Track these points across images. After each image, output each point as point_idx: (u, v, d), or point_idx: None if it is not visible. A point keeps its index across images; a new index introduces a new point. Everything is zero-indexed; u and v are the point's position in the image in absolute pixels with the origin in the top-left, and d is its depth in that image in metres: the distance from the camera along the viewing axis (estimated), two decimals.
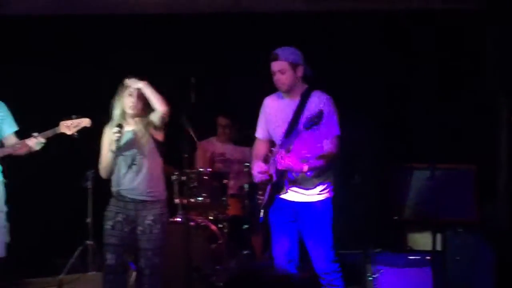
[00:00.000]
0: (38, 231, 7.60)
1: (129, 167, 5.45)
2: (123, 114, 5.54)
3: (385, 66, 7.57)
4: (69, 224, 7.45)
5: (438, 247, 6.41)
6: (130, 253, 5.58)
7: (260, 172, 5.39)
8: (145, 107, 5.53)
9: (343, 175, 7.02)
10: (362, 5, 7.54)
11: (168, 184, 6.61)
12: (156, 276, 5.51)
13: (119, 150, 5.42)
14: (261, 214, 5.46)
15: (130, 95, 5.48)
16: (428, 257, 6.23)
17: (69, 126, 5.70)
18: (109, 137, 5.53)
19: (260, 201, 5.49)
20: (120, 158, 5.44)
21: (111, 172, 5.50)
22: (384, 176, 7.16)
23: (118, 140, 5.40)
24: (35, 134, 5.73)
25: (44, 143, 5.75)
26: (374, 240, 6.48)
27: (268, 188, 5.42)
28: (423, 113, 7.56)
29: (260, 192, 5.50)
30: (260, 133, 5.62)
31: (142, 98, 5.50)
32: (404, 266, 6.18)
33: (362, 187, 6.88)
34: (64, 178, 7.44)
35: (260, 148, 5.59)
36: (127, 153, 5.46)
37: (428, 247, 6.42)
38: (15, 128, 5.94)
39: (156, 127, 5.53)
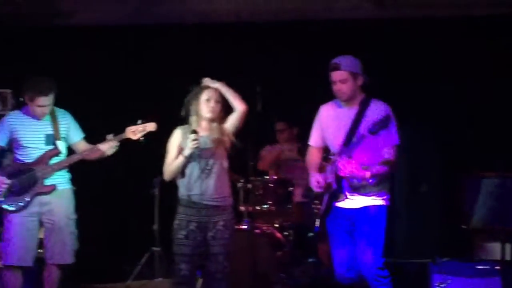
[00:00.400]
0: (106, 238, 7.73)
1: (202, 172, 5.41)
2: (199, 118, 5.50)
3: (453, 72, 7.50)
4: (136, 230, 7.56)
5: (508, 257, 6.32)
6: (200, 260, 5.55)
7: (318, 182, 5.41)
8: (222, 112, 5.51)
9: (410, 184, 7.00)
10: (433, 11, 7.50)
11: (234, 191, 6.68)
12: (226, 281, 5.52)
13: (193, 155, 5.39)
14: (317, 223, 5.46)
15: (208, 99, 5.45)
16: (497, 267, 6.13)
17: (135, 131, 5.80)
18: (179, 140, 5.49)
19: (316, 210, 5.50)
20: (193, 163, 5.41)
21: (176, 175, 5.49)
22: (452, 184, 7.08)
23: (196, 147, 5.35)
24: (109, 136, 5.85)
25: (117, 147, 5.87)
26: (441, 249, 6.42)
27: (326, 196, 5.43)
28: (493, 121, 7.45)
29: (316, 201, 5.51)
30: (314, 141, 5.64)
31: (219, 101, 5.48)
32: (472, 276, 6.08)
33: (429, 196, 6.83)
34: (132, 185, 7.55)
35: (314, 156, 5.61)
36: (201, 158, 5.42)
37: (497, 256, 6.33)
38: (82, 134, 6.08)
39: (232, 132, 5.54)
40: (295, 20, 7.79)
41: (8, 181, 5.85)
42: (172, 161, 5.47)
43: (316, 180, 5.42)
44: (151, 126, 5.84)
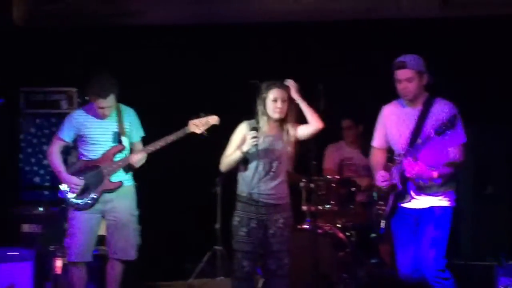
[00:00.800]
0: (169, 235, 7.80)
1: (266, 173, 5.48)
2: (266, 118, 5.55)
3: None
4: (199, 229, 7.62)
5: None
6: (261, 257, 5.59)
7: (384, 182, 5.38)
8: (290, 112, 5.55)
9: (476, 185, 6.91)
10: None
11: (296, 191, 6.70)
12: (286, 278, 5.55)
13: (258, 153, 5.44)
14: (382, 224, 5.43)
15: (275, 99, 5.50)
16: None
17: (198, 125, 5.83)
18: (242, 134, 5.54)
19: (380, 212, 5.47)
20: (258, 162, 5.46)
21: (231, 168, 5.54)
22: None
23: (256, 145, 5.41)
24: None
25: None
26: (507, 251, 6.32)
27: (391, 197, 5.40)
28: None
29: (380, 202, 5.49)
30: (378, 142, 5.60)
31: (286, 101, 5.52)
32: None
33: (495, 197, 6.74)
34: (194, 183, 7.61)
35: (379, 157, 5.57)
36: (266, 158, 5.48)
37: None
38: (142, 134, 6.16)
39: (299, 139, 5.57)
40: (359, 19, 7.77)
41: (81, 182, 5.97)
42: (230, 154, 5.51)
43: (381, 175, 5.39)
44: (213, 120, 5.87)
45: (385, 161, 5.50)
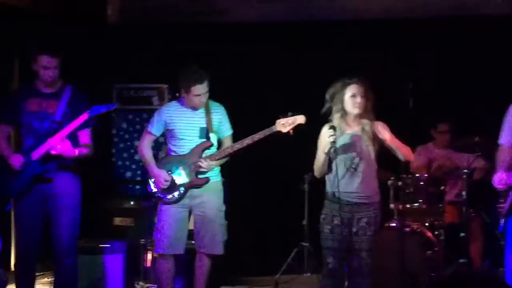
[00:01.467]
0: (256, 231, 7.94)
1: (347, 170, 5.50)
2: (344, 115, 5.56)
3: None
4: (286, 225, 7.72)
5: None
6: (346, 254, 5.61)
7: (501, 184, 5.31)
8: (369, 108, 5.55)
9: None
10: None
11: (384, 189, 6.72)
12: (368, 278, 5.57)
13: (338, 152, 5.45)
14: (501, 223, 5.35)
15: (354, 95, 5.49)
16: None
17: (285, 124, 5.85)
18: (325, 139, 5.55)
19: (500, 209, 5.40)
20: (339, 160, 5.47)
21: (324, 172, 5.58)
22: None
23: (333, 142, 5.42)
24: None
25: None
26: None
27: (510, 195, 5.32)
28: None
29: (501, 200, 5.41)
30: (505, 139, 5.45)
31: (365, 96, 5.52)
32: None
33: None
34: (282, 180, 7.70)
35: (505, 155, 5.44)
36: (346, 155, 5.50)
37: None
38: (230, 131, 6.26)
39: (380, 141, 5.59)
40: (450, 15, 7.72)
41: (169, 177, 6.11)
42: (318, 158, 5.59)
43: (499, 178, 5.31)
44: (300, 119, 5.88)
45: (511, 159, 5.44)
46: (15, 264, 6.19)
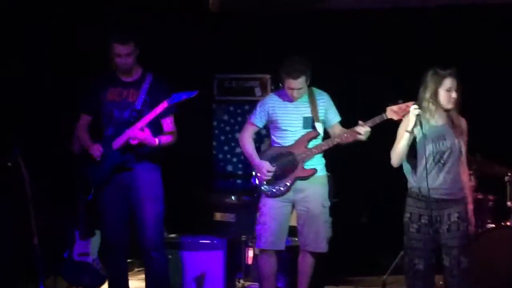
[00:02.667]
0: (363, 229, 7.84)
1: (436, 164, 5.41)
2: (435, 107, 5.45)
3: None
4: (395, 223, 7.59)
5: None
6: (436, 255, 5.51)
7: None
8: (459, 101, 5.45)
9: None
10: None
11: (500, 185, 6.55)
12: (464, 278, 5.43)
13: (425, 145, 5.36)
14: None
15: (449, 89, 5.38)
16: None
17: (397, 111, 5.72)
18: (406, 122, 5.47)
19: None
20: (427, 155, 5.39)
21: (403, 157, 5.47)
22: None
23: (418, 115, 5.31)
24: (361, 122, 5.95)
25: (370, 132, 5.93)
26: None
27: None
28: None
29: None
30: None
31: (458, 91, 5.41)
32: None
33: None
34: (392, 176, 7.59)
35: None
36: (436, 149, 5.40)
37: None
38: (338, 118, 6.22)
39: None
40: None
41: (273, 168, 6.12)
42: (398, 140, 5.47)
43: None
44: (411, 106, 5.80)
45: None
46: (104, 257, 6.33)
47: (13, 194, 6.26)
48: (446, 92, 5.40)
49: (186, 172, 8.00)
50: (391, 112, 5.75)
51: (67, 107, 6.60)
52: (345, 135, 6.05)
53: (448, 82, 5.40)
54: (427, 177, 5.34)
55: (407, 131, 5.39)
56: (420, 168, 5.42)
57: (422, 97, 5.46)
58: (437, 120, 5.47)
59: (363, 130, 5.94)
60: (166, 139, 6.03)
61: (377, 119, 5.88)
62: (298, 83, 6.01)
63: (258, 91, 8.37)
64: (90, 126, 6.17)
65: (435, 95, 5.42)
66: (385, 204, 7.75)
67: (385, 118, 5.80)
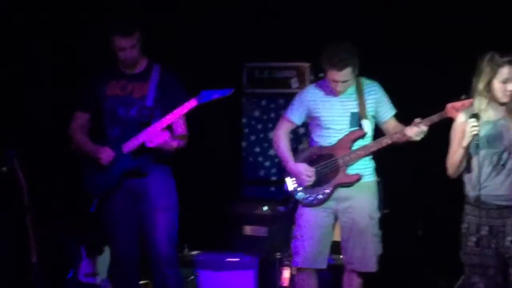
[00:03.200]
0: (419, 244, 7.77)
1: (494, 167, 5.38)
2: (488, 100, 5.42)
3: None
4: (454, 237, 7.53)
5: None
6: (502, 272, 5.46)
7: None
8: None
9: None
10: None
11: None
12: None
13: (480, 145, 5.34)
14: None
15: (505, 80, 5.31)
16: None
17: (458, 109, 5.71)
18: (461, 129, 5.43)
19: None
20: (482, 156, 5.36)
21: (461, 170, 5.46)
22: None
23: (476, 135, 5.28)
24: (417, 120, 5.91)
25: (426, 132, 5.90)
26: None
27: None
28: None
29: None
30: None
31: None
32: None
33: None
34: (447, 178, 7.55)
35: None
36: (492, 150, 5.38)
37: None
38: (393, 111, 6.19)
39: None
40: None
41: (312, 173, 6.12)
42: (453, 153, 5.46)
43: None
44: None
45: None
46: (113, 277, 6.36)
47: (8, 204, 6.31)
48: (502, 83, 5.34)
49: (211, 179, 8.00)
50: (452, 110, 5.74)
51: (70, 106, 6.65)
52: (397, 135, 6.02)
53: (504, 72, 5.32)
54: (479, 181, 5.33)
55: (463, 147, 5.37)
56: (476, 171, 5.39)
57: (474, 87, 5.42)
58: (490, 116, 5.42)
59: (414, 131, 5.91)
60: (180, 143, 6.08)
61: (435, 117, 5.87)
62: (343, 75, 5.97)
63: (294, 83, 8.33)
64: (87, 126, 6.22)
65: (488, 86, 5.37)
66: (444, 215, 7.69)
67: (445, 116, 5.81)
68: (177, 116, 5.90)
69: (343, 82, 6.00)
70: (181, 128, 6.10)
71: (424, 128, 5.89)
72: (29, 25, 7.28)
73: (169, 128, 6.01)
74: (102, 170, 6.01)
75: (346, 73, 5.96)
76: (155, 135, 5.89)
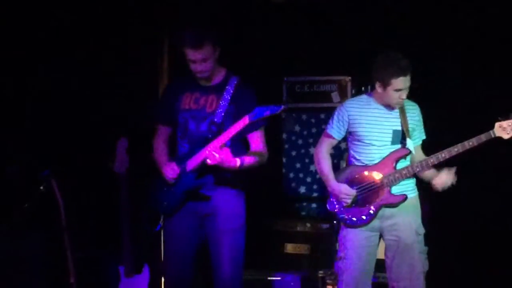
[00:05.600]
0: (468, 261, 7.67)
1: None
2: None
3: None
4: (508, 254, 7.45)
5: None
6: None
7: None
8: None
9: None
10: None
11: None
12: None
13: None
14: None
15: None
16: None
17: (506, 128, 5.70)
18: None
19: None
20: None
21: None
22: None
23: None
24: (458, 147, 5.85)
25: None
26: None
27: None
28: None
29: None
30: None
31: None
32: None
33: None
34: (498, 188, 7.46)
35: None
36: None
37: None
38: (424, 136, 6.16)
39: None
40: None
41: (353, 193, 6.06)
42: None
43: None
44: None
45: None
46: None
47: (45, 224, 6.30)
48: None
49: (250, 196, 7.95)
50: (501, 130, 5.68)
51: (109, 121, 6.64)
52: (416, 167, 6.00)
53: None
54: None
55: None
56: None
57: None
58: None
59: (442, 179, 5.95)
60: (250, 160, 5.93)
61: (483, 137, 5.79)
62: (408, 81, 5.87)
63: (336, 97, 8.31)
64: (169, 141, 6.09)
65: None
66: (497, 229, 7.60)
67: (493, 136, 5.76)
68: (232, 133, 5.72)
69: (406, 89, 5.90)
70: (256, 143, 6.00)
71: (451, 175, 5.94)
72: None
73: (245, 143, 5.94)
74: (168, 187, 5.91)
75: (409, 79, 5.87)
76: (215, 152, 5.70)
